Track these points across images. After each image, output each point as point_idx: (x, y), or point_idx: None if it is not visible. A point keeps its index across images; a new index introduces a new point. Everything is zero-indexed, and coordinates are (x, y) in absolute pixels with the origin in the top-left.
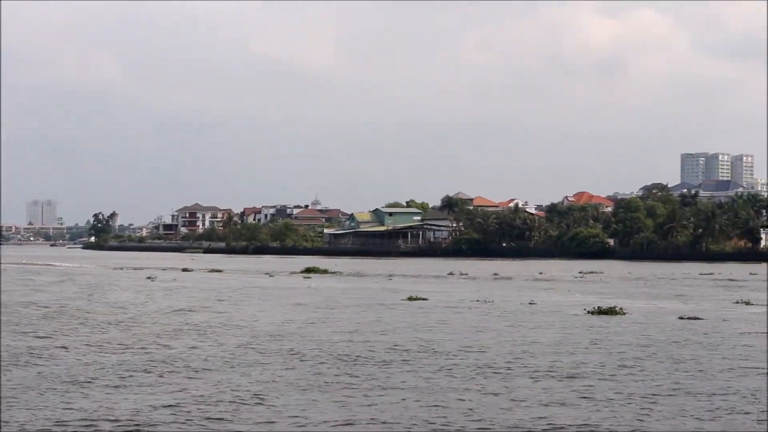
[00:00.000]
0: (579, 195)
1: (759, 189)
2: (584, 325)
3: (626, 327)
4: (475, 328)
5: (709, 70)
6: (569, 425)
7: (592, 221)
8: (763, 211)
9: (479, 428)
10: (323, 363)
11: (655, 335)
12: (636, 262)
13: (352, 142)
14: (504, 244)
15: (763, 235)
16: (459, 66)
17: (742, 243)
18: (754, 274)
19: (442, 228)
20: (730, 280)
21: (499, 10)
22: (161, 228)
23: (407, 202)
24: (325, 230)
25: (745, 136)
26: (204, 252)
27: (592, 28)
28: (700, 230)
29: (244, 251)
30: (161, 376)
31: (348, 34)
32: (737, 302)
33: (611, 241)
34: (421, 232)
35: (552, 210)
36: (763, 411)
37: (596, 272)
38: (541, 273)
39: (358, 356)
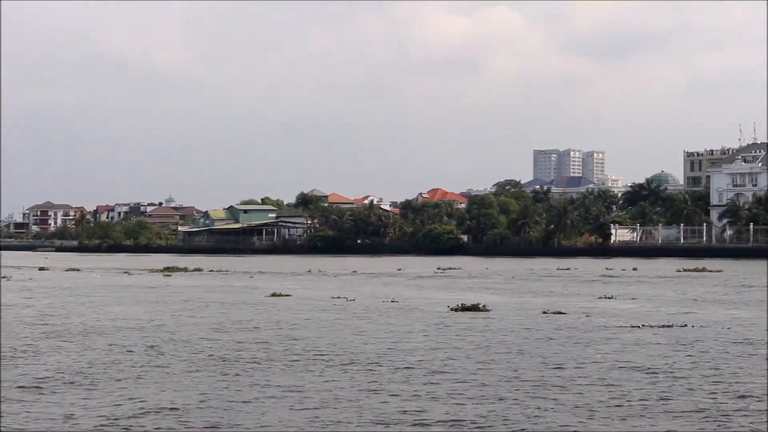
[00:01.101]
0: (433, 192)
1: (609, 185)
2: (449, 322)
3: (491, 323)
4: (342, 325)
5: (560, 68)
6: (438, 420)
7: (446, 218)
8: (614, 206)
9: (342, 421)
10: (194, 364)
11: (520, 331)
12: (490, 257)
13: (205, 139)
14: (359, 241)
15: (613, 231)
16: (310, 62)
17: (593, 238)
18: (610, 269)
19: (297, 225)
20: (589, 274)
21: (349, 7)
22: (12, 227)
23: (262, 200)
24: (180, 228)
25: (596, 132)
26: (56, 251)
27: (443, 26)
28: (552, 226)
29: (97, 249)
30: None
31: (196, 30)
32: (601, 297)
33: (465, 238)
34: (276, 230)
35: (407, 207)
36: (613, 398)
37: (455, 268)
38: (399, 269)
39: (227, 355)
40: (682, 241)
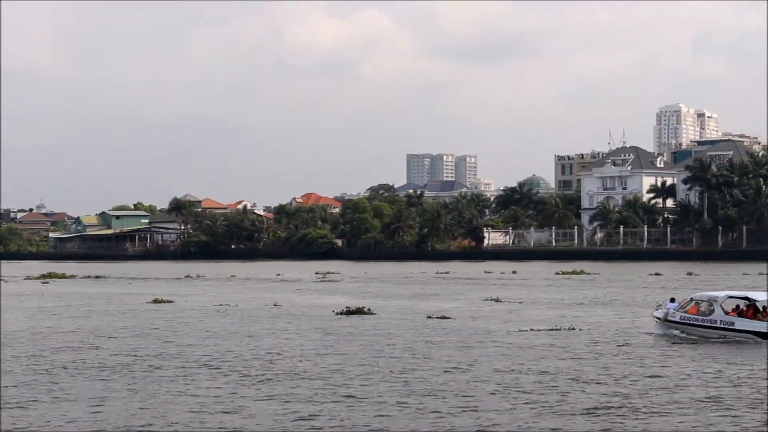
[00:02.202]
0: (307, 196)
1: (482, 189)
2: (334, 325)
3: (377, 327)
4: (229, 332)
5: (432, 72)
6: (331, 427)
7: (320, 222)
8: (486, 210)
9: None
10: (80, 372)
11: (406, 335)
12: (365, 262)
13: (76, 144)
14: (233, 246)
15: (486, 234)
16: (184, 64)
17: (466, 242)
18: (489, 272)
19: (170, 231)
20: (469, 278)
21: (225, 8)
22: None
23: (135, 205)
24: (51, 234)
25: (468, 137)
26: None
27: (319, 29)
28: (426, 230)
29: None
30: None
31: (66, 32)
32: (486, 300)
33: (339, 242)
34: (149, 236)
35: (280, 211)
36: (473, 409)
37: (334, 272)
38: (279, 275)
39: (118, 362)
40: (554, 243)
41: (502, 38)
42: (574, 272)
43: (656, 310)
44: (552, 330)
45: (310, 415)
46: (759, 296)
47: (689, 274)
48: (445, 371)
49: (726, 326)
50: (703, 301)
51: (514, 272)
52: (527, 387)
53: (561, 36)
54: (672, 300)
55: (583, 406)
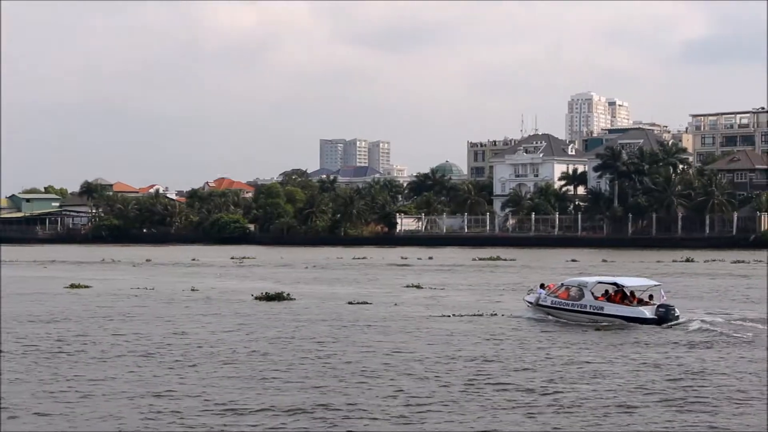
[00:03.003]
0: (220, 181)
1: (395, 175)
2: (255, 311)
3: (296, 312)
4: (148, 316)
5: (346, 59)
6: (254, 410)
7: (233, 207)
8: (399, 196)
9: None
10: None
11: (329, 319)
12: (278, 247)
13: None
14: (145, 230)
15: (399, 220)
16: (93, 50)
17: (379, 228)
18: (406, 258)
19: (81, 214)
20: (387, 264)
21: None
22: None
23: (45, 188)
24: None
25: (382, 123)
26: None
27: (232, 15)
28: (339, 215)
29: None
30: None
31: None
32: (408, 286)
33: (252, 227)
34: (60, 219)
35: (193, 196)
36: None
37: (250, 257)
38: (194, 259)
39: (41, 347)
40: (466, 230)
41: (416, 27)
42: (491, 258)
43: (528, 294)
44: (474, 315)
45: (230, 401)
46: (627, 281)
47: (604, 261)
48: (365, 355)
49: (595, 311)
50: (574, 286)
51: (430, 258)
52: (450, 370)
53: (473, 25)
54: (542, 285)
55: (503, 396)
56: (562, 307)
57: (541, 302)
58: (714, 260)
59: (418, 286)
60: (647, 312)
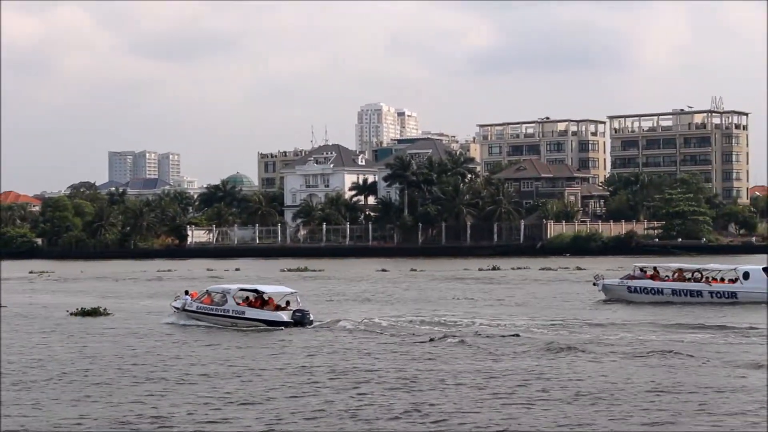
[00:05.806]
0: (6, 194)
1: (186, 187)
2: (71, 327)
3: (116, 327)
4: None
5: (132, 69)
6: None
7: (19, 221)
8: (190, 208)
9: None
10: None
11: (149, 334)
12: (67, 261)
13: None
14: None
15: (189, 232)
16: None
17: (170, 240)
18: (212, 270)
19: None
20: (194, 277)
21: None
22: None
23: None
24: None
25: (171, 134)
26: None
27: (12, 27)
28: (129, 228)
29: None
30: None
31: None
32: None
33: (39, 241)
34: None
35: None
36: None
37: (49, 272)
38: None
39: None
40: (257, 241)
41: (203, 37)
42: (298, 269)
43: (175, 300)
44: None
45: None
46: (266, 288)
47: (413, 270)
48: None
49: (237, 315)
50: (217, 293)
51: (237, 270)
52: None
53: (259, 34)
54: (186, 292)
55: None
56: (206, 311)
57: (187, 307)
58: (520, 267)
59: None
60: (285, 316)
